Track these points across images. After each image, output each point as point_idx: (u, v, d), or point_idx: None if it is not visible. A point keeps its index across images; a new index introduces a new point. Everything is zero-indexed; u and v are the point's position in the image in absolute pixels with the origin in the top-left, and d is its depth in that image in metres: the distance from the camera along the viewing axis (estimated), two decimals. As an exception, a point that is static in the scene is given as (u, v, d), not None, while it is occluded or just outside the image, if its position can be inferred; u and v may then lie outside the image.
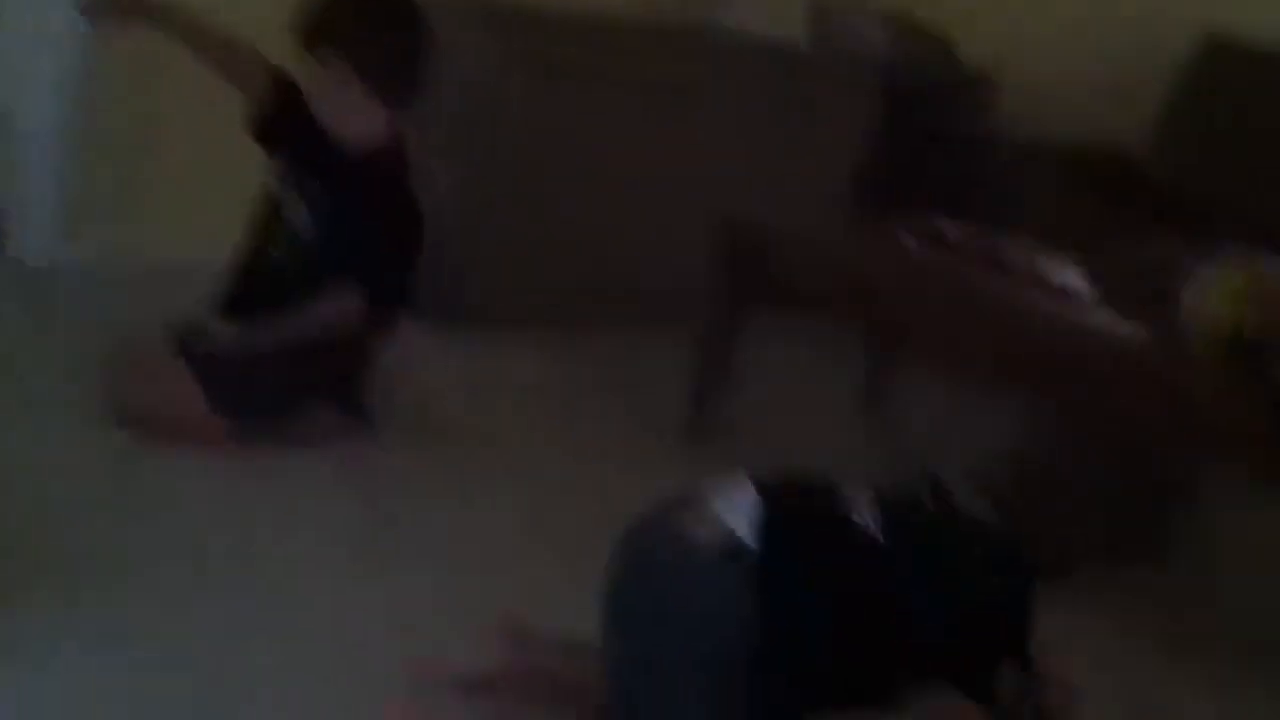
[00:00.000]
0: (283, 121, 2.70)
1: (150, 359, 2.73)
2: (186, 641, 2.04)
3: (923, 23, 4.48)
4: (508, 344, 3.60)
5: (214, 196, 3.70)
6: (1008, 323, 2.63)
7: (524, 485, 2.80)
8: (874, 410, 3.51)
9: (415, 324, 3.14)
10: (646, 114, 3.84)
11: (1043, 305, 2.58)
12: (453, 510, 2.62)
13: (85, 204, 3.56)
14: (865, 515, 1.77)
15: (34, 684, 1.88)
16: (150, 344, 2.77)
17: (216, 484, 2.53)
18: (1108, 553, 1.77)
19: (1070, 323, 2.53)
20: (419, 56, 2.74)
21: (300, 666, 2.03)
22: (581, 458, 3.00)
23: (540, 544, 2.54)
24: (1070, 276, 2.60)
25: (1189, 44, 4.13)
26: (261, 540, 2.37)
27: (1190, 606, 2.65)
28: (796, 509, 1.81)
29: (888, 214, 3.27)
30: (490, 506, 2.67)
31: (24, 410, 2.67)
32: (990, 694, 1.71)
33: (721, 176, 3.97)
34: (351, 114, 2.70)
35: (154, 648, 2.00)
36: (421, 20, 2.73)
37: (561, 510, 2.70)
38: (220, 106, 3.44)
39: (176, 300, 2.95)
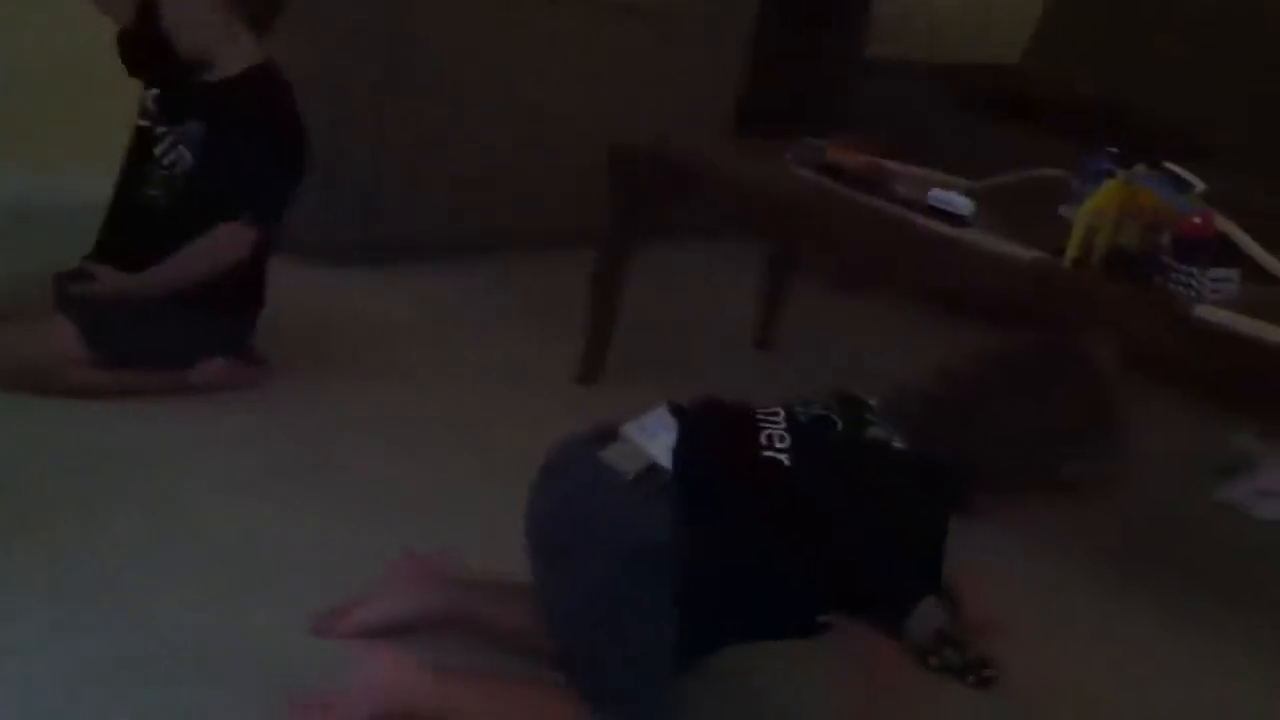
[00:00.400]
0: (154, 46, 2.62)
1: (28, 309, 2.65)
2: (103, 597, 2.00)
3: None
4: (397, 279, 3.57)
5: (86, 135, 3.59)
6: (896, 247, 2.66)
7: (429, 424, 2.78)
8: (769, 338, 3.54)
9: (311, 263, 3.11)
10: (529, 38, 3.81)
11: (930, 229, 2.61)
12: (360, 450, 2.60)
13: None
14: (776, 441, 1.79)
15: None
16: (30, 295, 2.69)
17: (114, 436, 2.47)
18: (1022, 489, 1.80)
19: (957, 245, 2.57)
20: None
21: (223, 616, 2.01)
22: (488, 395, 2.99)
23: (451, 482, 2.53)
24: (956, 198, 2.63)
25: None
26: (170, 490, 2.33)
27: (1105, 524, 2.75)
28: (711, 436, 1.83)
29: (770, 136, 3.27)
30: (398, 446, 2.65)
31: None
32: (903, 626, 1.73)
33: (605, 101, 3.96)
34: (215, 37, 2.62)
35: (69, 603, 1.97)
36: None
37: (472, 449, 2.69)
38: (91, 38, 3.30)
39: (51, 247, 2.87)
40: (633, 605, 1.74)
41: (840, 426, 1.82)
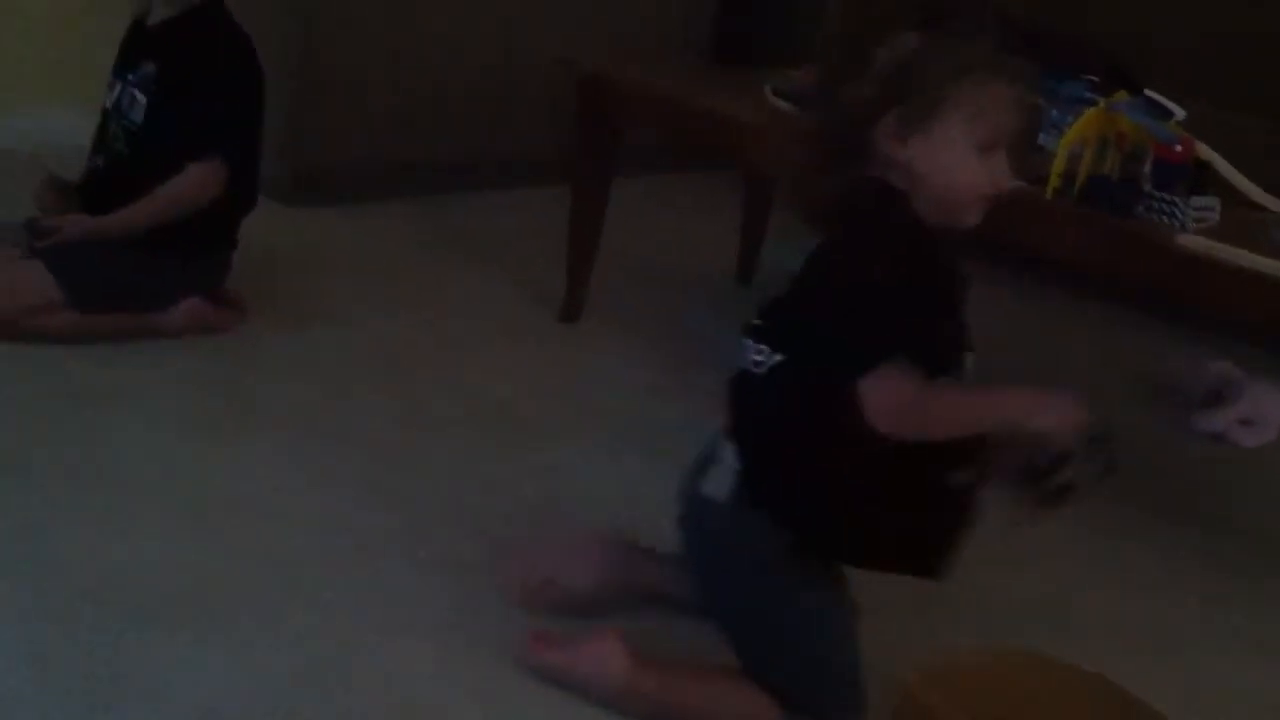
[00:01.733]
0: None
1: (6, 256, 2.62)
2: (54, 539, 2.00)
3: None
4: (369, 217, 3.53)
5: (51, 75, 3.54)
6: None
7: (404, 366, 2.76)
8: (750, 271, 3.52)
9: (276, 203, 3.06)
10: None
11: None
12: (330, 397, 2.58)
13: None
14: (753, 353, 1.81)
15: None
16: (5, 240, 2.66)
17: (79, 379, 2.45)
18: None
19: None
20: None
21: (166, 558, 2.00)
22: (468, 336, 2.96)
23: (429, 426, 2.52)
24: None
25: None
26: (131, 438, 2.31)
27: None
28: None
29: (743, 65, 3.23)
30: (371, 389, 2.63)
31: None
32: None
33: (574, 31, 3.91)
34: None
35: (21, 546, 1.97)
36: None
37: (452, 392, 2.67)
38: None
39: (19, 189, 2.83)
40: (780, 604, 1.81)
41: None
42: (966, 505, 1.78)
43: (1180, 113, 2.45)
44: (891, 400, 1.66)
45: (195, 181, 2.59)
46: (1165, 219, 2.32)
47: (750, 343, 1.83)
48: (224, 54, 2.63)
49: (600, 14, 3.99)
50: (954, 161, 1.71)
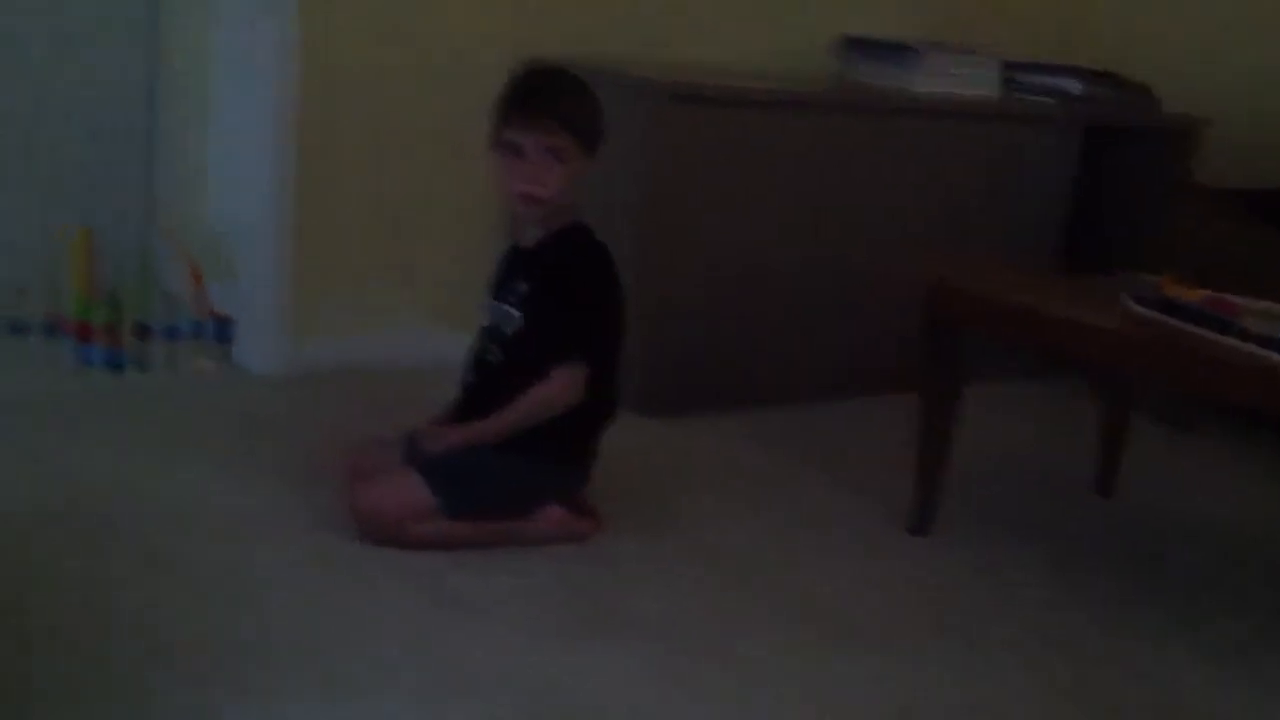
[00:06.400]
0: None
1: (379, 465, 2.79)
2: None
3: (1120, 71, 4.38)
4: (719, 427, 3.59)
5: (433, 297, 3.80)
6: (1254, 386, 2.51)
7: (751, 580, 2.75)
8: (1111, 483, 3.39)
9: (632, 414, 3.15)
10: (842, 182, 3.82)
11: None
12: (686, 608, 2.59)
13: (308, 311, 3.68)
14: None
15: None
16: (379, 449, 2.84)
17: (448, 587, 2.55)
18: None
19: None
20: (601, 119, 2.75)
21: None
22: (803, 548, 2.94)
23: (770, 643, 2.49)
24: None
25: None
26: (508, 650, 2.36)
27: None
28: None
29: (1095, 271, 3.16)
30: (721, 604, 2.63)
31: (253, 521, 2.73)
32: None
33: (925, 239, 3.93)
34: (547, 177, 2.68)
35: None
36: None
37: (790, 608, 2.64)
38: (437, 211, 3.47)
39: (403, 404, 3.01)
40: None
41: None
42: None
43: None
44: None
45: (560, 385, 2.70)
46: None
47: None
48: (589, 266, 2.77)
49: (945, 223, 4.02)
50: None
